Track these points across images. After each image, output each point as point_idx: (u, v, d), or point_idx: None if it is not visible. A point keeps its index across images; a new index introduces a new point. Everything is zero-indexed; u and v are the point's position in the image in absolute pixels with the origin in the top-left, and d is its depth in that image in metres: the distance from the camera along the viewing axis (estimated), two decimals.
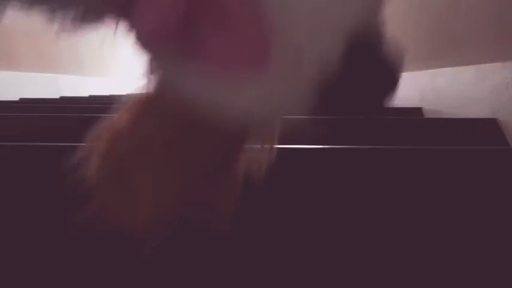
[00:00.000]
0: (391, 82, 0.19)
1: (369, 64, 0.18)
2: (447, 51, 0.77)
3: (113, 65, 2.18)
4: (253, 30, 0.15)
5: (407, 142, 0.60)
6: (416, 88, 0.88)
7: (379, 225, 0.37)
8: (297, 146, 0.41)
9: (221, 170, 0.22)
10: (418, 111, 0.84)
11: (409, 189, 0.39)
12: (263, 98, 0.16)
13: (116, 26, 0.18)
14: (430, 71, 0.81)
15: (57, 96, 1.42)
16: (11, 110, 0.85)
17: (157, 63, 0.18)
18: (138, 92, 0.20)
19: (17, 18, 1.03)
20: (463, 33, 0.71)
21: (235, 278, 0.35)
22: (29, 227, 0.37)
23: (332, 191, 0.38)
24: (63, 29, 0.16)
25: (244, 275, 0.35)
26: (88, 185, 0.19)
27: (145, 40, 0.15)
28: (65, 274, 0.35)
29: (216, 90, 0.16)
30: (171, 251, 0.32)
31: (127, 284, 0.34)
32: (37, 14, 0.16)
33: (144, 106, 0.20)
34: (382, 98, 0.20)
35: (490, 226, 0.37)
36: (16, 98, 1.15)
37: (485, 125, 0.58)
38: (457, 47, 0.73)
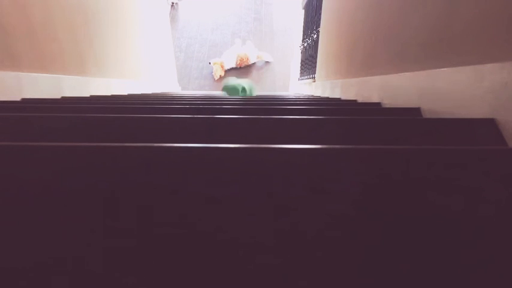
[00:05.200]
0: None
1: None
2: (446, 51, 0.77)
3: (114, 66, 2.18)
4: None
5: (406, 142, 0.60)
6: (414, 88, 0.89)
7: (376, 225, 0.38)
8: (296, 146, 0.41)
9: None
10: (416, 111, 0.85)
11: (407, 189, 0.39)
12: None
13: None
14: (428, 71, 0.82)
15: (59, 97, 1.43)
16: (12, 110, 0.86)
17: None
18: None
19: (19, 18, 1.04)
20: (462, 33, 0.71)
21: None
22: (27, 228, 0.37)
23: (331, 190, 0.39)
24: None
25: None
26: None
27: None
28: None
29: None
30: None
31: None
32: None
33: None
34: None
35: (488, 226, 0.38)
36: (18, 98, 1.15)
37: (484, 125, 0.59)
38: (455, 48, 0.73)
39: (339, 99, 1.60)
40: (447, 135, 0.59)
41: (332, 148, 0.41)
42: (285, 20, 5.46)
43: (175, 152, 0.41)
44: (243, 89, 2.38)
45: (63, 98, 1.38)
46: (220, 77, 5.00)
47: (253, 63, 5.16)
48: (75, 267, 0.36)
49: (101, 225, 0.37)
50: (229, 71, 5.10)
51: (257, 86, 4.96)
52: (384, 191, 0.39)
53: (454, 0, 0.74)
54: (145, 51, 3.07)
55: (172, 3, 5.59)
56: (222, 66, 4.98)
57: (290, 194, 0.38)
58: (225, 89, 2.48)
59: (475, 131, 0.59)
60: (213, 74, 4.99)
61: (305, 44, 3.71)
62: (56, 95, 1.41)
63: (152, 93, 2.39)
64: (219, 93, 4.01)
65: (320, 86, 2.51)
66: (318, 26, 2.85)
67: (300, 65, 4.09)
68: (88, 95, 1.68)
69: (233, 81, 2.50)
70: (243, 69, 5.15)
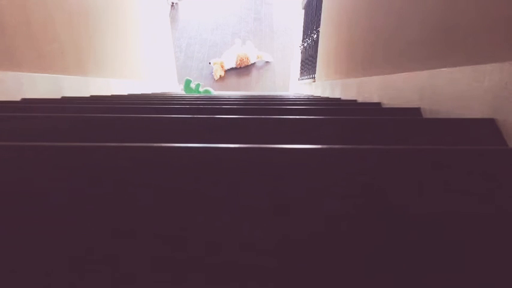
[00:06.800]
0: None
1: None
2: (446, 51, 0.77)
3: (115, 66, 2.18)
4: None
5: (406, 142, 0.60)
6: (414, 88, 0.89)
7: (377, 225, 0.38)
8: (296, 146, 0.41)
9: None
10: (416, 111, 0.85)
11: (407, 189, 0.39)
12: None
13: None
14: (428, 71, 0.82)
15: (59, 97, 1.43)
16: (12, 110, 0.86)
17: None
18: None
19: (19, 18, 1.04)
20: (462, 33, 0.71)
21: None
22: (28, 229, 0.37)
23: (332, 190, 0.39)
24: None
25: None
26: None
27: None
28: None
29: None
30: None
31: None
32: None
33: None
34: None
35: (487, 226, 0.38)
36: (18, 98, 1.15)
37: (484, 125, 0.59)
38: (455, 48, 0.73)
39: (338, 99, 1.60)
40: (447, 135, 0.59)
41: (332, 148, 0.41)
42: (285, 20, 5.47)
43: (175, 152, 0.41)
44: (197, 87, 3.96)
45: (63, 98, 1.39)
46: (220, 77, 5.02)
47: (253, 63, 5.17)
48: (73, 269, 0.36)
49: (101, 225, 0.37)
50: (229, 71, 5.10)
51: (257, 86, 4.99)
52: (384, 191, 0.39)
53: (454, 0, 0.74)
54: (146, 51, 3.08)
55: (172, 3, 5.60)
56: (222, 66, 4.99)
57: (290, 194, 0.38)
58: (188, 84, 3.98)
59: (475, 131, 0.59)
60: (213, 74, 5.00)
61: (305, 44, 3.71)
62: (56, 95, 1.41)
63: (152, 93, 2.39)
64: (218, 93, 4.02)
65: (320, 86, 2.51)
66: (318, 26, 2.85)
67: (300, 65, 4.10)
68: (88, 95, 1.68)
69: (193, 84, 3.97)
70: (243, 69, 5.15)
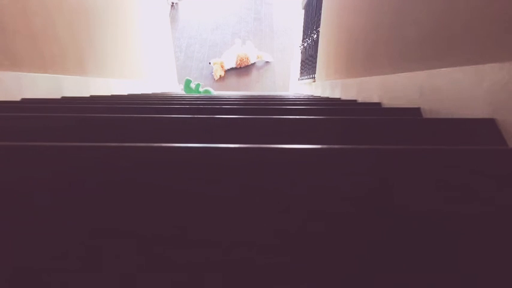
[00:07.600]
0: None
1: None
2: (446, 51, 0.77)
3: (115, 66, 2.18)
4: None
5: (406, 142, 0.60)
6: (415, 88, 0.89)
7: (375, 225, 0.38)
8: (296, 146, 0.41)
9: None
10: (416, 111, 0.85)
11: (407, 189, 0.39)
12: None
13: None
14: (428, 71, 0.82)
15: (59, 97, 1.43)
16: (12, 110, 0.86)
17: None
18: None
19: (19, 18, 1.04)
20: (462, 33, 0.71)
21: None
22: (27, 228, 0.37)
23: (331, 190, 0.39)
24: None
25: None
26: None
27: None
28: None
29: None
30: None
31: None
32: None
33: None
34: None
35: (487, 227, 0.38)
36: (18, 98, 1.15)
37: (484, 125, 0.59)
38: (455, 47, 0.73)
39: (338, 99, 1.60)
40: (447, 135, 0.59)
41: (332, 148, 0.41)
42: (285, 20, 5.47)
43: (176, 152, 0.41)
44: (197, 87, 3.93)
45: (63, 98, 1.39)
46: (220, 77, 5.02)
47: (253, 63, 5.17)
48: (73, 269, 0.36)
49: (101, 225, 0.37)
50: (229, 71, 5.11)
51: (257, 86, 4.99)
52: (384, 190, 0.39)
53: (454, 0, 0.74)
54: (146, 51, 3.08)
55: (172, 3, 5.60)
56: (222, 66, 4.99)
57: (290, 194, 0.39)
58: (188, 84, 3.94)
59: (475, 131, 0.59)
60: (213, 74, 5.00)
61: (305, 44, 3.71)
62: (56, 95, 1.41)
63: (152, 93, 2.39)
64: (218, 93, 4.03)
65: (320, 86, 2.51)
66: (318, 26, 2.85)
67: (300, 65, 4.10)
68: (88, 95, 1.68)
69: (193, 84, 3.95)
70: (243, 69, 5.15)
